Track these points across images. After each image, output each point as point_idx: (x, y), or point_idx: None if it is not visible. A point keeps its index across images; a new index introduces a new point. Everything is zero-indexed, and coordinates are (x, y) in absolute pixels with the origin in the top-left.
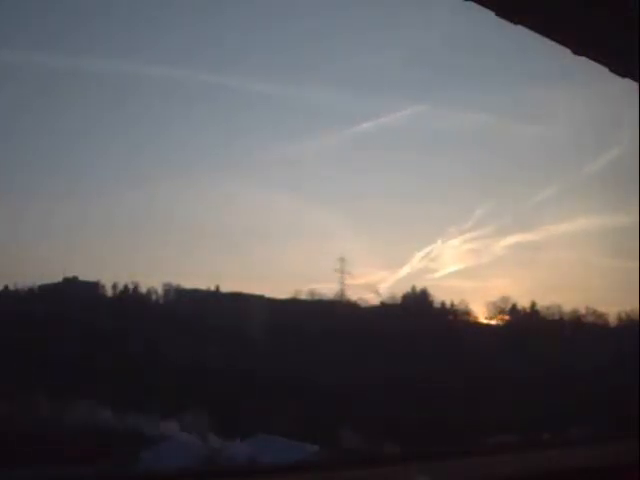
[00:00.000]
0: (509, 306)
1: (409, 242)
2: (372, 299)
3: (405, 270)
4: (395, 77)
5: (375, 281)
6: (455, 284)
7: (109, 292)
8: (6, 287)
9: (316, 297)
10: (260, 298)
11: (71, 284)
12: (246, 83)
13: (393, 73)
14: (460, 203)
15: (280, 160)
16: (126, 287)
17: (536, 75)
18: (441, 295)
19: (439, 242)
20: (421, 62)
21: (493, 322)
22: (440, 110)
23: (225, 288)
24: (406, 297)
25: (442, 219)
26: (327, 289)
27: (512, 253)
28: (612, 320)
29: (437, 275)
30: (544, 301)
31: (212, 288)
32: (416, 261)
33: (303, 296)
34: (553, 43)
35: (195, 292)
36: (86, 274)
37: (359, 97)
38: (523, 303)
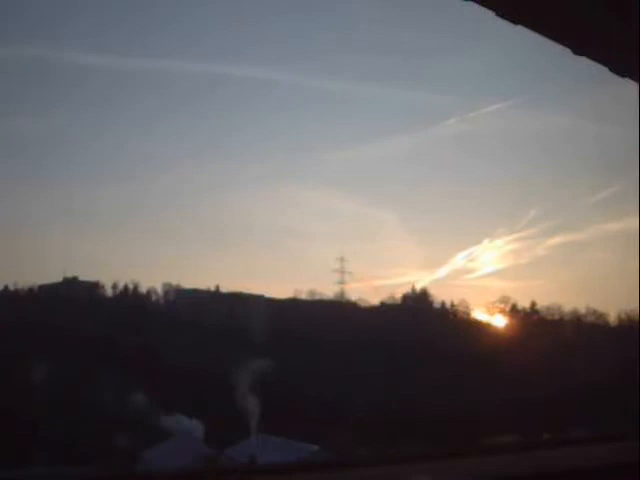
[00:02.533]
0: (509, 306)
1: (456, 242)
2: (373, 299)
3: (444, 270)
4: (477, 77)
5: (411, 281)
6: (493, 285)
7: (109, 292)
8: (6, 287)
9: (316, 297)
10: (260, 298)
11: (71, 284)
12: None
13: (475, 73)
14: (516, 203)
15: (338, 160)
16: (126, 287)
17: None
18: (475, 295)
19: (485, 242)
20: (503, 63)
21: (494, 322)
22: (515, 110)
23: (225, 288)
24: (406, 297)
25: (494, 219)
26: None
27: (557, 254)
28: (613, 320)
29: (475, 275)
30: (582, 303)
31: (212, 288)
32: (457, 261)
33: (303, 296)
34: (553, 43)
35: (195, 292)
36: (86, 274)
37: (436, 96)
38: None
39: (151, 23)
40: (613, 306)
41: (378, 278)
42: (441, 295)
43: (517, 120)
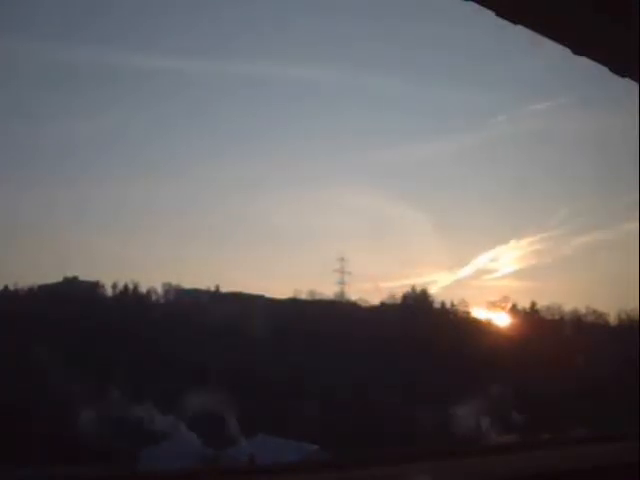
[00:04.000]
0: (509, 306)
1: (484, 241)
2: (373, 299)
3: (468, 269)
4: (519, 77)
5: (433, 281)
6: (514, 284)
7: (109, 292)
8: (6, 287)
9: (317, 297)
10: (260, 298)
11: (71, 284)
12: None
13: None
14: (546, 202)
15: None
16: (126, 287)
17: None
18: (490, 296)
19: (511, 242)
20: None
21: (493, 322)
22: (556, 110)
23: (225, 288)
24: (406, 297)
25: (524, 218)
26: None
27: (583, 254)
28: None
29: (497, 275)
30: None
31: (212, 288)
32: (482, 261)
33: (303, 296)
34: (553, 43)
35: (195, 292)
36: (86, 274)
37: (475, 96)
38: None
39: (182, 22)
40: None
41: (400, 278)
42: (460, 295)
43: (557, 120)
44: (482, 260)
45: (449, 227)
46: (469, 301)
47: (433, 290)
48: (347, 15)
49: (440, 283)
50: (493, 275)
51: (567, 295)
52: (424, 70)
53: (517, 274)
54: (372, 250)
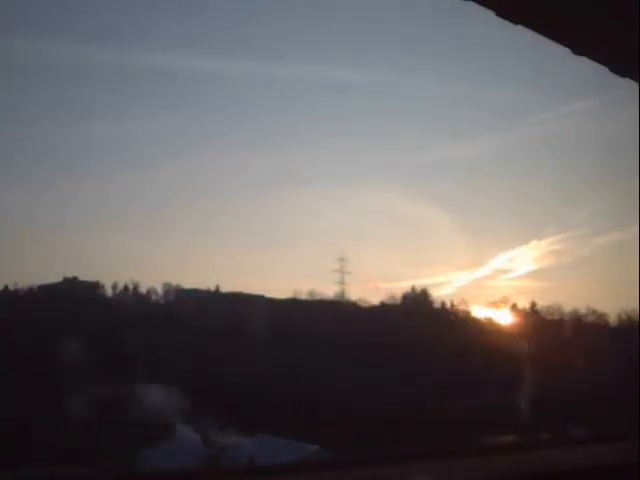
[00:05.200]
0: (509, 306)
1: (504, 241)
2: (373, 299)
3: (486, 269)
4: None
5: (448, 280)
6: (531, 285)
7: (109, 292)
8: (6, 287)
9: (317, 297)
10: (260, 298)
11: (71, 284)
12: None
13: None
14: (569, 202)
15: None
16: (126, 287)
17: None
18: (514, 296)
19: (532, 243)
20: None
21: (493, 322)
22: (586, 111)
23: (225, 288)
24: (406, 297)
25: (546, 218)
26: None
27: (603, 255)
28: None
29: (515, 275)
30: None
31: (212, 288)
32: (500, 261)
33: (303, 296)
34: (553, 43)
35: (195, 292)
36: (86, 274)
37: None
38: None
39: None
40: None
41: (416, 278)
42: (475, 295)
43: (584, 121)
44: (500, 260)
45: (470, 227)
46: (482, 301)
47: (449, 290)
48: (380, 13)
49: (457, 283)
50: (511, 275)
51: (583, 295)
52: (451, 69)
53: (536, 274)
54: (387, 250)
